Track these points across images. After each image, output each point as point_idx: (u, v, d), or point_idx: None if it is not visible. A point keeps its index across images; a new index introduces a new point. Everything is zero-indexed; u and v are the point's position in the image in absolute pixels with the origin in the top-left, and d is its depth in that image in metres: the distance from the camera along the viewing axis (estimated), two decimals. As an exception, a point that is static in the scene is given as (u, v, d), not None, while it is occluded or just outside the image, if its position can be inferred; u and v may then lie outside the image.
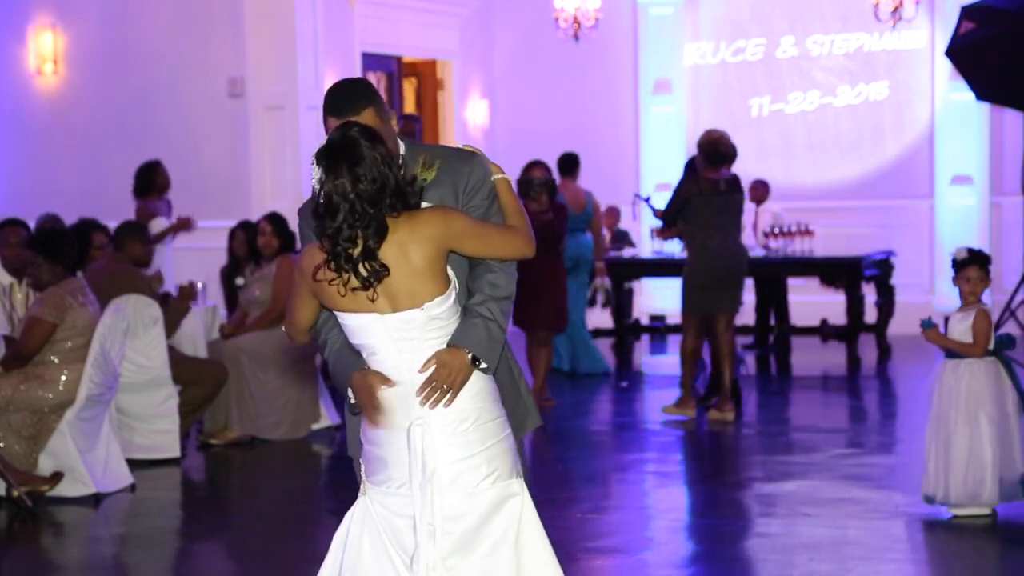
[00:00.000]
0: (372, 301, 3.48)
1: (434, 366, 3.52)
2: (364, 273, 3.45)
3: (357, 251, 3.44)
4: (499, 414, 3.61)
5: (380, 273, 3.45)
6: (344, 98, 3.72)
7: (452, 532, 3.52)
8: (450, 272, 3.57)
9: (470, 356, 3.55)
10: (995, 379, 6.41)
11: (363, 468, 3.67)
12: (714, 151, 9.03)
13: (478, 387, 3.57)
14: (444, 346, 3.55)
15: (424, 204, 3.58)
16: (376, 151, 3.47)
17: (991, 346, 6.41)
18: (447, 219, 3.53)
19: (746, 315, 12.55)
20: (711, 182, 9.02)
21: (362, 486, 3.66)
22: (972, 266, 6.45)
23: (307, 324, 3.69)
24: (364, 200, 3.42)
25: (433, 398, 3.52)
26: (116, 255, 8.41)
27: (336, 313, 3.59)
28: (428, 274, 3.49)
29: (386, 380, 3.55)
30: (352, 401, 3.65)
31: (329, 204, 3.45)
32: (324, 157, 3.48)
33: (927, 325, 6.41)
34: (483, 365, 3.57)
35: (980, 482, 6.34)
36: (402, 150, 3.75)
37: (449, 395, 3.52)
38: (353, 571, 3.60)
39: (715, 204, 8.99)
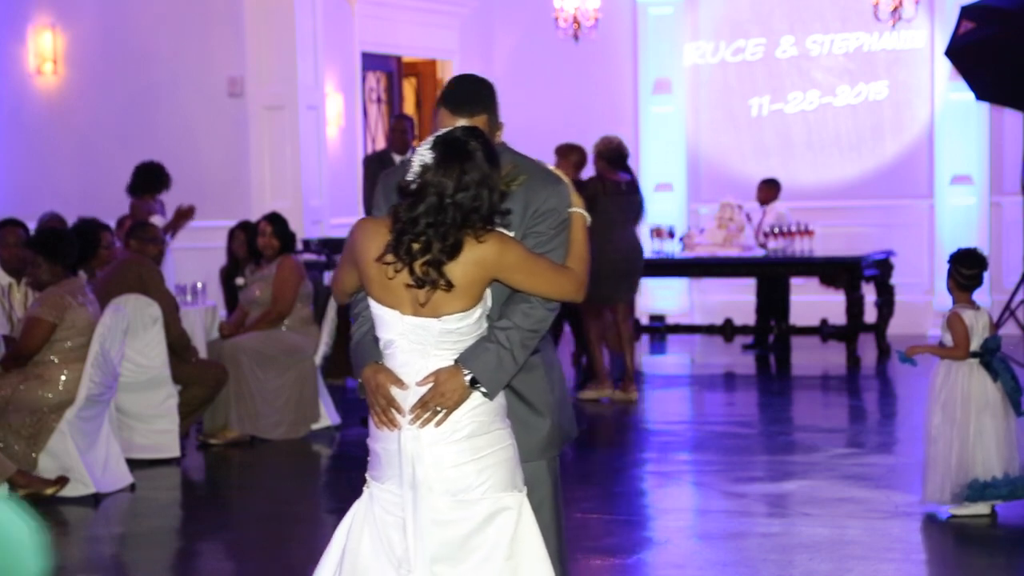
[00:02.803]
0: (422, 305, 3.42)
1: (431, 384, 3.47)
2: (419, 274, 3.39)
3: (417, 247, 3.38)
4: (498, 427, 3.54)
5: (437, 284, 3.39)
6: (465, 96, 3.67)
7: (438, 537, 3.48)
8: (486, 291, 3.51)
9: (469, 378, 3.47)
10: (990, 378, 6.45)
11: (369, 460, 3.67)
12: (617, 155, 10.01)
13: (478, 400, 3.50)
14: (453, 360, 3.49)
15: None
16: (491, 171, 3.40)
17: (975, 347, 6.40)
18: (502, 249, 3.44)
19: (747, 314, 12.56)
20: (614, 183, 9.96)
21: (367, 479, 3.66)
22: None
23: (350, 289, 3.67)
24: (457, 209, 3.35)
25: (423, 418, 3.47)
26: (137, 251, 8.44)
27: (368, 298, 3.56)
28: (460, 293, 3.43)
29: (397, 381, 3.51)
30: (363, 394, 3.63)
31: (421, 191, 3.38)
32: (442, 148, 3.40)
33: (904, 359, 6.42)
34: (482, 390, 3.49)
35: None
36: None
37: (440, 416, 3.47)
38: (353, 564, 3.59)
39: (617, 202, 9.92)
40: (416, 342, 3.48)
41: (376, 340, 3.58)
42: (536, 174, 3.68)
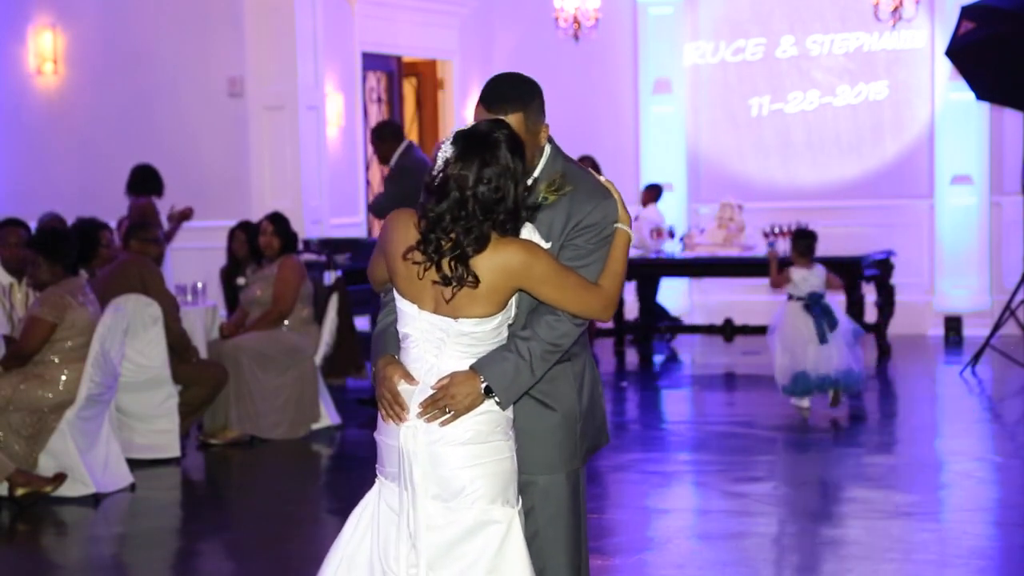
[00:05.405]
0: (447, 303, 3.39)
1: (446, 383, 3.44)
2: (448, 272, 3.36)
3: (448, 246, 3.35)
4: (498, 439, 3.50)
5: (465, 281, 3.35)
6: (499, 93, 3.62)
7: (427, 541, 3.47)
8: (511, 300, 3.46)
9: (484, 386, 3.44)
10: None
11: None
12: None
13: (484, 408, 3.47)
14: (468, 364, 3.46)
15: (525, 229, 3.48)
16: (513, 162, 3.36)
17: (803, 293, 9.20)
18: (531, 259, 3.39)
19: (747, 314, 12.55)
20: None
21: (377, 471, 3.66)
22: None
23: (382, 280, 3.63)
24: (478, 202, 3.32)
25: (429, 414, 3.46)
26: (137, 252, 8.42)
27: (393, 291, 3.54)
28: (483, 298, 3.39)
29: (407, 375, 3.49)
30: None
31: (443, 187, 3.35)
32: (462, 141, 3.38)
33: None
34: (496, 399, 3.46)
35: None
36: (545, 157, 3.62)
37: (447, 417, 3.45)
38: (353, 556, 3.59)
39: None
40: (431, 339, 3.46)
41: (398, 332, 3.56)
42: (583, 186, 3.59)
